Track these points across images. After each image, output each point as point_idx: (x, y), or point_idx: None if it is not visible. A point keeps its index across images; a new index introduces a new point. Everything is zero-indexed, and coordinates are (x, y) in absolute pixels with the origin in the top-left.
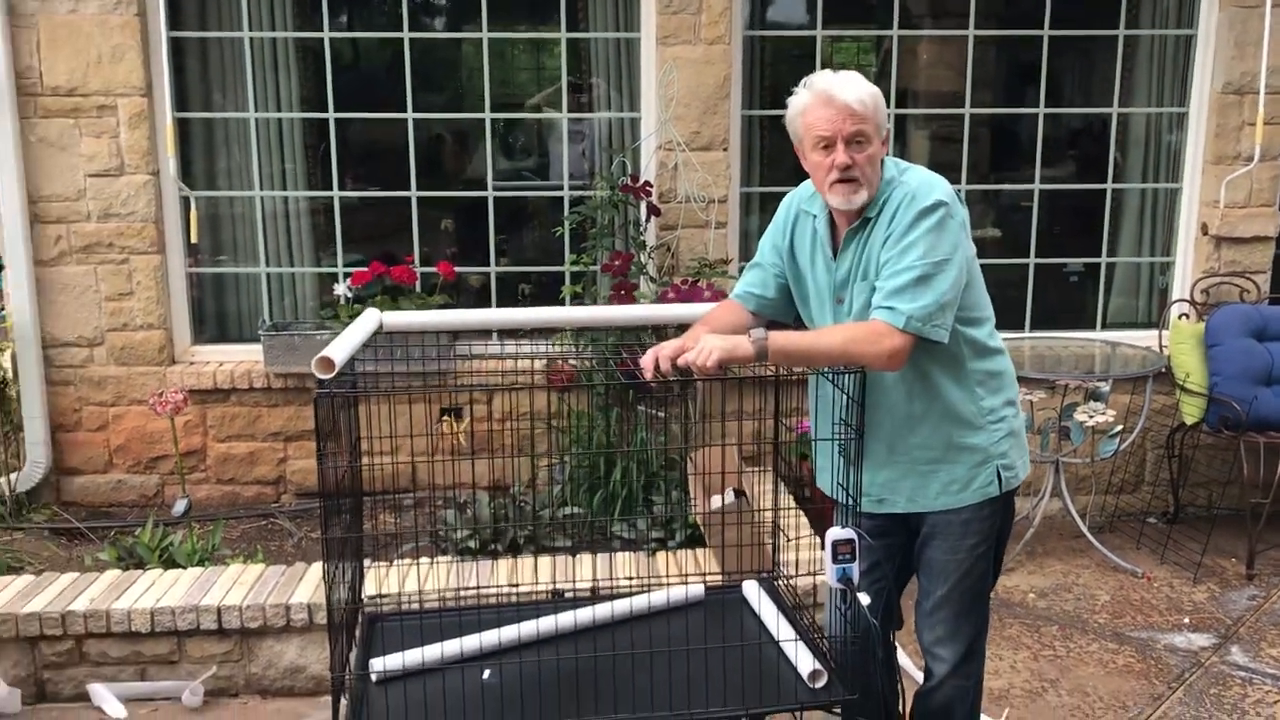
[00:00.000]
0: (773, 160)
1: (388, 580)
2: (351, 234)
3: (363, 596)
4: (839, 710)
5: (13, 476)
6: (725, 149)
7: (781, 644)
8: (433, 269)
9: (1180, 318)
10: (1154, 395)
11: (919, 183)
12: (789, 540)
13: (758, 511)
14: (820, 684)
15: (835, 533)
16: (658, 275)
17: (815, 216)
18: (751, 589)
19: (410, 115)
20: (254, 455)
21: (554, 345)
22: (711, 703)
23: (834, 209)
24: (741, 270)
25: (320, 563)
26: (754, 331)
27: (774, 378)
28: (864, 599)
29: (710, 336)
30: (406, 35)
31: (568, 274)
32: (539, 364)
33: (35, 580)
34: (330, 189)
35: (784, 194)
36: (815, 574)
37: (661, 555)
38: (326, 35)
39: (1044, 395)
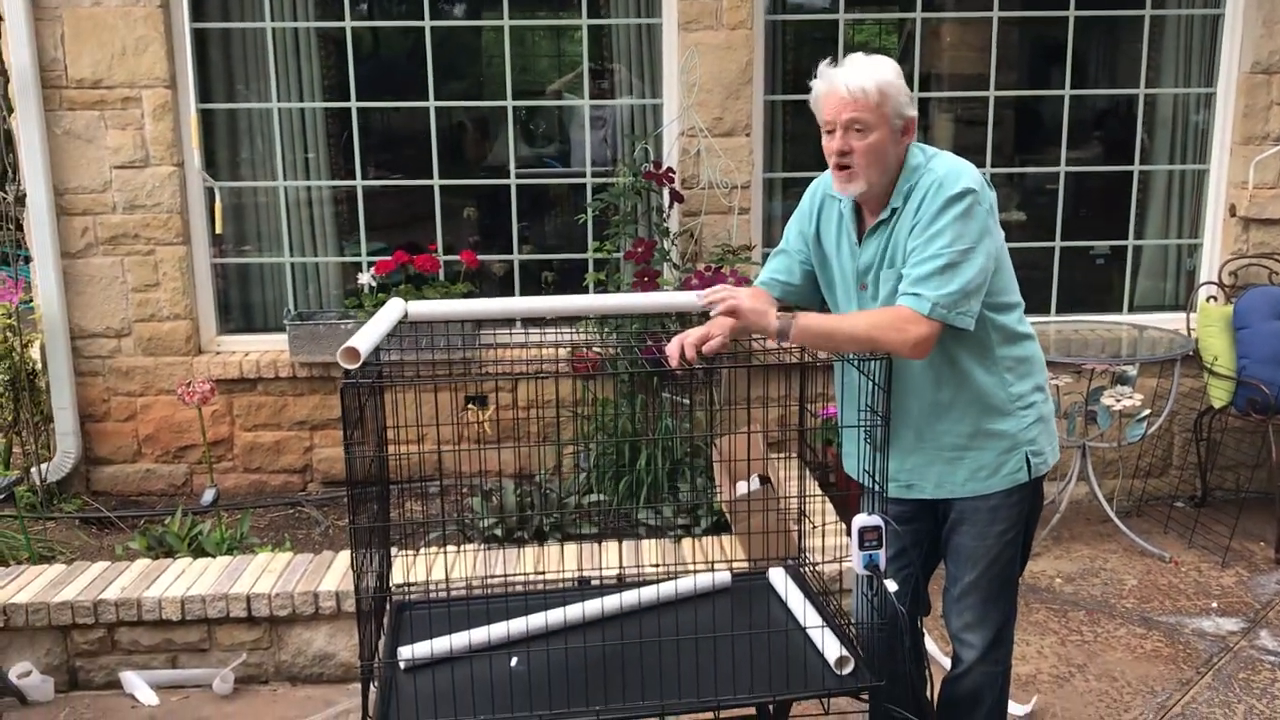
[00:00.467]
0: (795, 145)
1: (415, 568)
2: (375, 222)
3: (390, 585)
4: (866, 697)
5: (44, 467)
6: (748, 134)
7: (808, 630)
8: (456, 257)
9: (1208, 300)
10: (1181, 378)
11: (947, 170)
12: (814, 527)
13: (783, 499)
14: (847, 670)
15: (862, 519)
16: (681, 262)
17: (841, 201)
18: (778, 576)
19: (432, 103)
20: (280, 444)
21: (578, 333)
22: (738, 690)
23: (849, 198)
24: (765, 256)
25: (348, 551)
26: (780, 313)
27: (799, 364)
28: (891, 585)
29: (743, 293)
30: (428, 24)
31: (591, 261)
32: (563, 352)
33: (67, 569)
34: (353, 178)
35: (807, 179)
36: (841, 560)
37: (687, 542)
38: (348, 24)
39: (1070, 379)
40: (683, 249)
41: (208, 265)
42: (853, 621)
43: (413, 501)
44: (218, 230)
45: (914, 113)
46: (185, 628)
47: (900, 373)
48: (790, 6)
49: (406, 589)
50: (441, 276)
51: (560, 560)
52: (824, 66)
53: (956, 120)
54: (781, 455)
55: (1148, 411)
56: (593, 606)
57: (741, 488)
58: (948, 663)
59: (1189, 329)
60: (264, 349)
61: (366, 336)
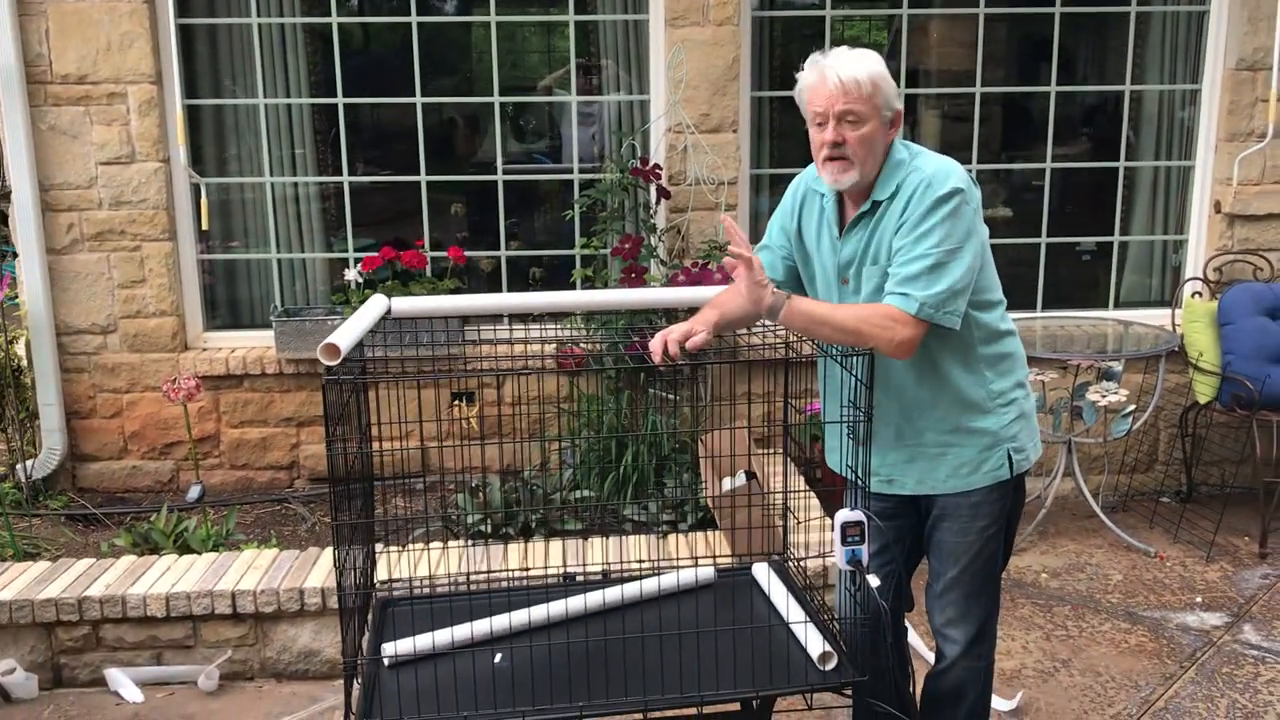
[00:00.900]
0: (783, 142)
1: (400, 565)
2: (362, 219)
3: (375, 581)
4: (849, 692)
5: (29, 463)
6: (735, 131)
7: (791, 626)
8: (443, 253)
9: (1193, 296)
10: (1167, 374)
11: (934, 169)
12: (799, 522)
13: (768, 494)
14: (830, 666)
15: (844, 515)
16: (668, 258)
17: (823, 196)
18: (762, 571)
19: (419, 99)
20: (267, 441)
21: (565, 329)
22: (722, 685)
23: (841, 190)
24: None
25: (362, 544)
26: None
27: (783, 359)
28: (873, 581)
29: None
30: (414, 19)
31: (578, 258)
32: (549, 348)
33: (52, 566)
34: (340, 174)
35: (794, 176)
36: (825, 556)
37: (673, 538)
38: (334, 20)
39: (1056, 375)
40: (670, 245)
41: (194, 261)
42: (836, 617)
43: (400, 498)
44: (204, 226)
45: (901, 106)
46: (170, 625)
47: (882, 369)
48: (778, 3)
49: (391, 586)
50: (429, 273)
51: (545, 556)
52: (813, 58)
53: (943, 116)
54: (768, 451)
55: (1133, 407)
56: (577, 602)
57: (727, 483)
58: (931, 658)
59: (1174, 325)
60: (251, 345)
61: (347, 333)
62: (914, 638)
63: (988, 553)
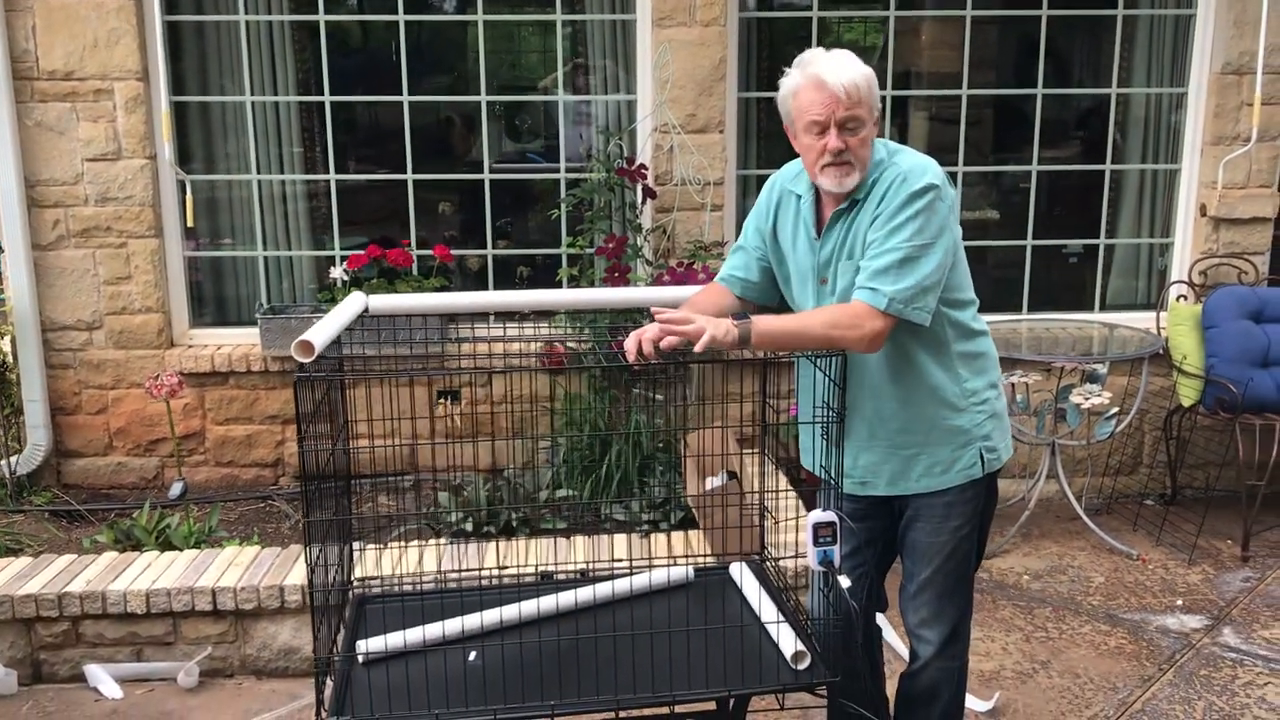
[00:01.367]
0: (769, 142)
1: (380, 562)
2: (351, 217)
3: (352, 578)
4: (824, 692)
5: (13, 459)
6: (721, 131)
7: (766, 626)
8: (429, 252)
9: (1178, 299)
10: (1152, 377)
11: (910, 165)
12: (776, 522)
13: (749, 494)
14: (803, 665)
15: (816, 515)
16: (654, 258)
17: (800, 197)
18: (739, 571)
19: (406, 98)
20: (252, 438)
21: (550, 327)
22: (694, 684)
23: (843, 192)
24: None
25: (335, 542)
26: (737, 316)
27: (762, 360)
28: (844, 582)
29: (700, 317)
30: (402, 18)
31: (564, 257)
32: (533, 346)
33: (33, 562)
34: (327, 172)
35: None
36: (801, 556)
37: (654, 537)
38: (322, 18)
39: (1040, 377)
40: (656, 245)
41: (180, 258)
42: (810, 617)
43: (385, 495)
44: (189, 223)
45: (880, 104)
46: (150, 621)
47: (855, 368)
48: (765, 4)
49: (368, 583)
50: (415, 271)
51: (525, 555)
52: (804, 63)
53: (930, 118)
54: (752, 451)
55: (1116, 409)
56: (552, 601)
57: (708, 483)
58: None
59: (1159, 328)
60: (236, 343)
61: (323, 330)
62: (892, 637)
63: (961, 553)
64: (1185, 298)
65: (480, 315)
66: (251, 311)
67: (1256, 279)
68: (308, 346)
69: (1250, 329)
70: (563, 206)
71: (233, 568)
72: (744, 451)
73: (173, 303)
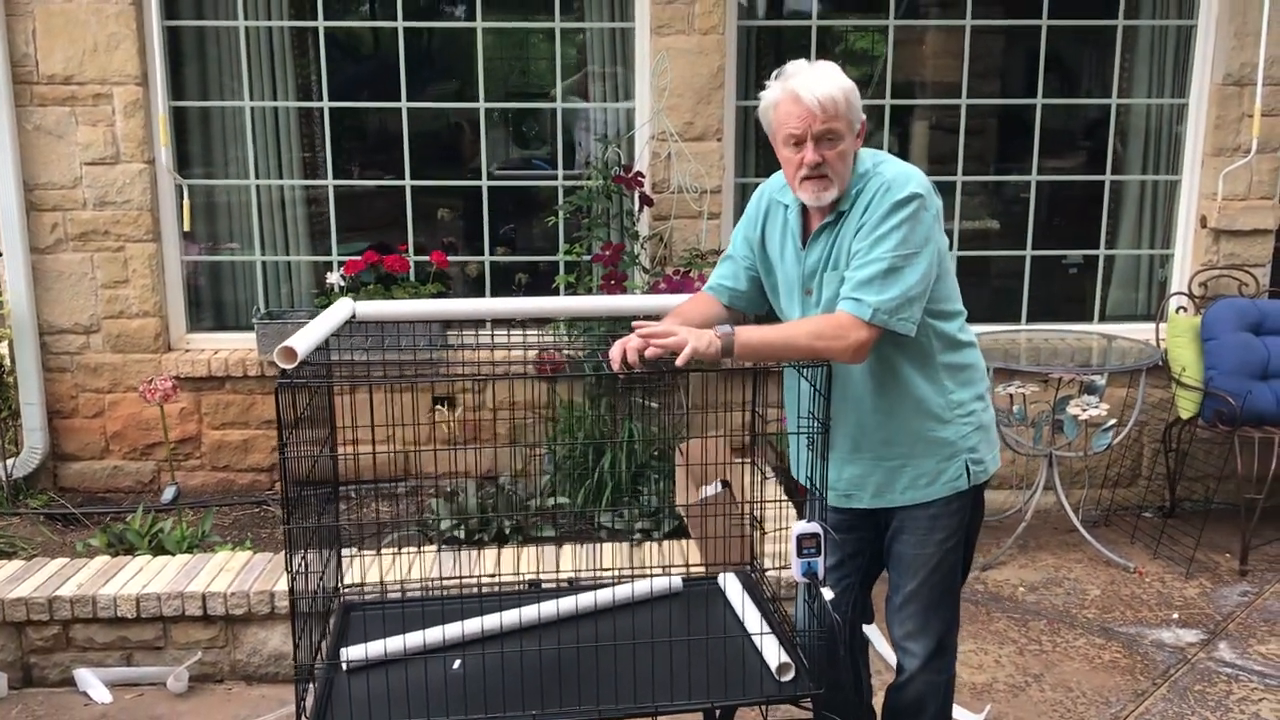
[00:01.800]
0: (767, 151)
1: (370, 569)
2: (349, 223)
3: (341, 585)
4: (808, 704)
5: (10, 462)
6: (719, 139)
7: (752, 638)
8: (427, 258)
9: (1178, 311)
10: (1152, 389)
11: (894, 174)
12: (763, 533)
13: (740, 504)
14: (788, 677)
15: (800, 527)
16: (650, 266)
17: (787, 207)
18: (728, 581)
19: (404, 104)
20: (248, 443)
21: (548, 334)
22: (678, 695)
23: (820, 206)
24: None
25: (317, 549)
26: (720, 328)
27: (753, 369)
28: (827, 594)
29: (683, 328)
30: (401, 25)
31: (561, 264)
32: (528, 353)
33: (25, 565)
34: (326, 178)
35: None
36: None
37: (646, 546)
38: (321, 24)
39: (1037, 388)
40: (652, 253)
41: (178, 263)
42: (796, 629)
43: (379, 502)
44: (186, 228)
45: (863, 115)
46: (140, 625)
47: (840, 379)
48: (763, 13)
49: (357, 590)
50: (412, 277)
51: (515, 563)
52: (784, 75)
53: (931, 128)
54: (747, 460)
55: (1113, 421)
56: (541, 609)
57: (701, 492)
58: None
59: (1159, 339)
60: (233, 347)
61: (307, 336)
62: (883, 647)
63: (946, 565)
64: (1185, 309)
65: (478, 321)
66: (249, 316)
67: (1257, 291)
68: (290, 353)
69: (1250, 341)
70: (560, 214)
71: (224, 573)
72: (738, 460)
73: (170, 307)
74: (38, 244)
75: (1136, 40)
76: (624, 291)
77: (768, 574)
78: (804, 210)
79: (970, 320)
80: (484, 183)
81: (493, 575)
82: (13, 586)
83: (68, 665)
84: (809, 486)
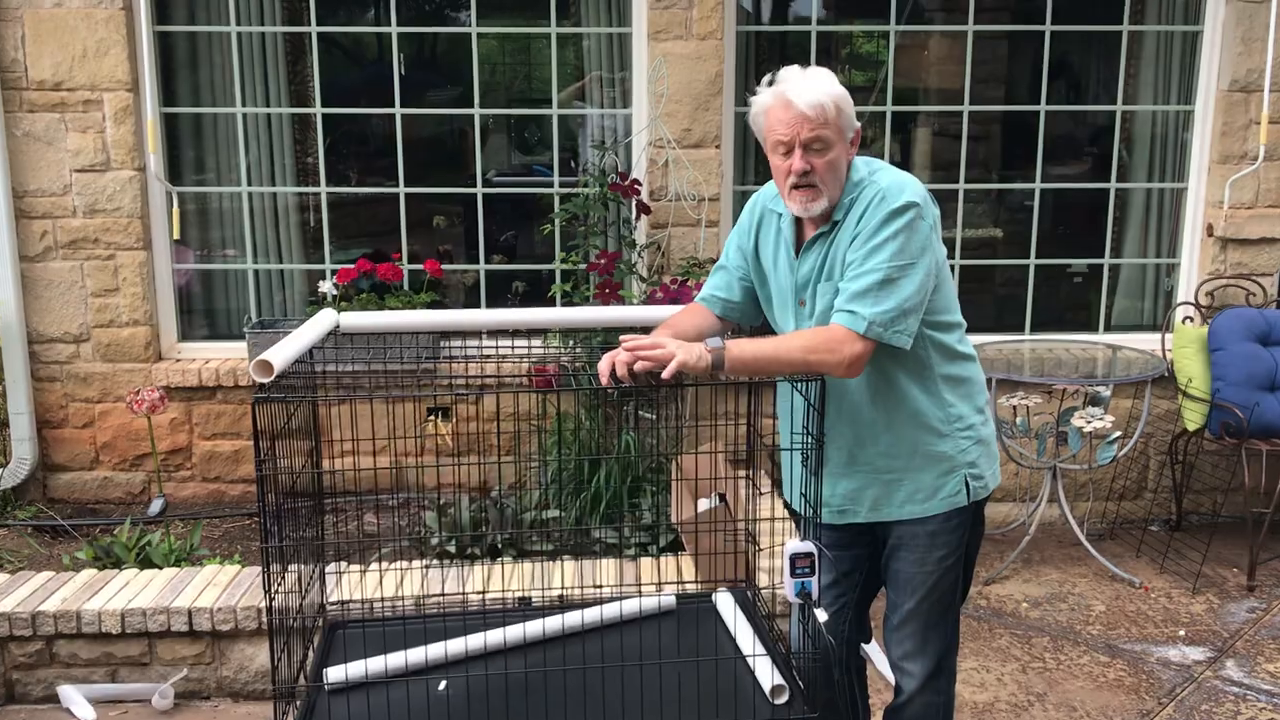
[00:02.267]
0: (766, 159)
1: (359, 585)
2: (343, 230)
3: (324, 602)
4: None
5: None
6: (717, 146)
7: (745, 658)
8: (421, 267)
9: (1184, 321)
10: (1157, 400)
11: (890, 183)
12: (759, 550)
13: (736, 521)
14: (782, 700)
15: (793, 546)
16: (648, 274)
17: (780, 215)
18: (723, 600)
19: (398, 111)
20: (240, 453)
21: (544, 344)
22: (668, 718)
23: (810, 217)
24: None
25: (296, 565)
26: (710, 341)
27: (748, 381)
28: (821, 615)
29: (672, 342)
30: (395, 30)
31: (557, 272)
32: (522, 364)
33: (9, 579)
34: (319, 185)
35: None
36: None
37: (642, 562)
38: (314, 30)
39: (1041, 399)
40: (650, 261)
41: (169, 271)
42: (790, 650)
43: (371, 514)
44: (175, 236)
45: (858, 124)
46: (125, 641)
47: (835, 389)
48: (763, 18)
49: (344, 607)
50: (405, 286)
51: (506, 579)
52: (776, 81)
53: (933, 134)
54: (744, 475)
55: (1118, 433)
56: (530, 629)
57: (699, 505)
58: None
59: (1165, 350)
60: (224, 357)
61: (285, 349)
62: (882, 665)
63: (946, 584)
64: (1191, 319)
65: (472, 331)
66: (241, 325)
67: (1265, 301)
68: (267, 366)
69: (1258, 352)
70: (555, 221)
71: (211, 587)
72: (735, 475)
73: (161, 316)
74: (27, 252)
75: (1141, 46)
76: (620, 300)
77: (763, 591)
78: (798, 219)
79: (973, 330)
80: (479, 190)
81: (483, 592)
82: None
83: (51, 682)
84: (804, 503)
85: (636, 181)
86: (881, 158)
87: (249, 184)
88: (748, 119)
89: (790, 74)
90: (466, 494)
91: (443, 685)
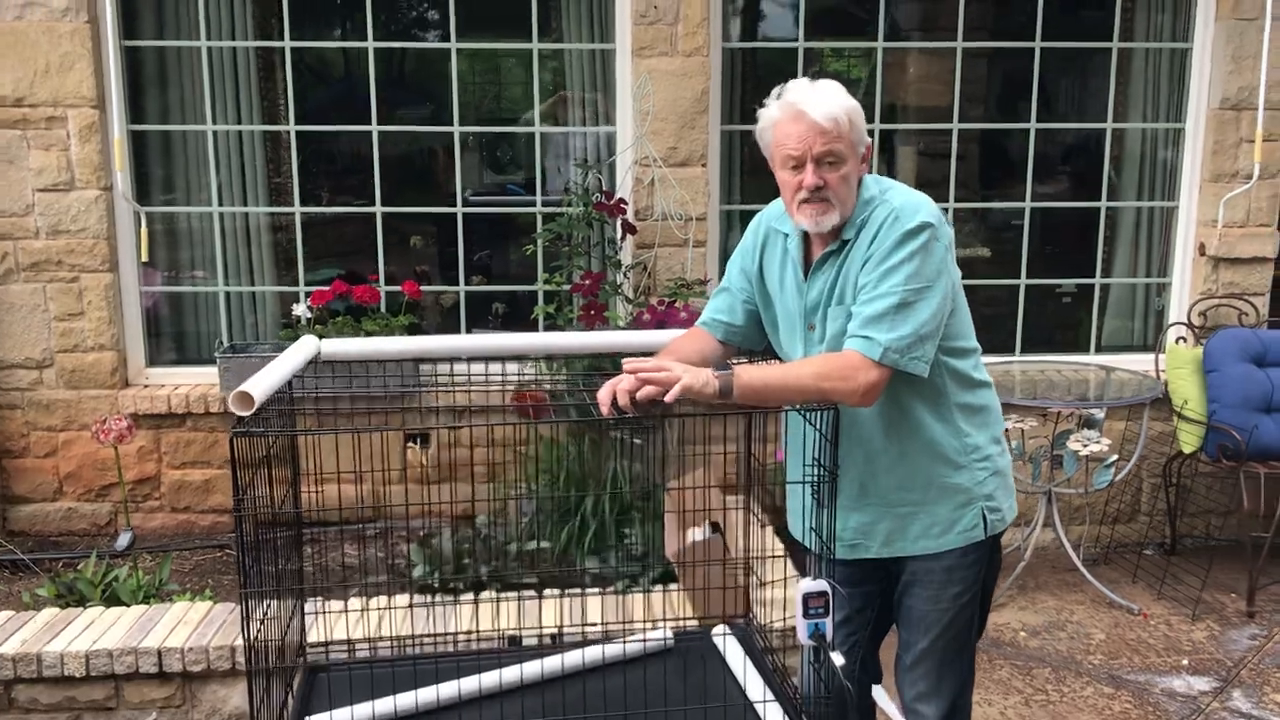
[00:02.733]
0: (754, 177)
1: (337, 627)
2: (318, 251)
3: (303, 643)
4: None
5: None
6: (704, 165)
7: (754, 705)
8: (398, 288)
9: (1177, 341)
10: (1151, 422)
11: (903, 202)
12: (761, 584)
13: (735, 554)
14: None
15: (807, 585)
16: (634, 295)
17: (787, 236)
18: (724, 638)
19: (375, 128)
20: (210, 483)
21: (527, 369)
22: None
23: (820, 231)
24: None
25: (268, 602)
26: (719, 368)
27: (748, 410)
28: (838, 660)
29: (679, 365)
30: (371, 45)
31: (540, 294)
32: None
33: None
34: (293, 204)
35: None
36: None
37: (632, 596)
38: (287, 44)
39: (1035, 422)
40: (636, 282)
41: (136, 294)
42: (799, 693)
43: (349, 545)
44: (143, 258)
45: (869, 139)
46: (90, 684)
47: (847, 418)
48: (749, 35)
49: (316, 648)
50: (383, 308)
51: (495, 616)
52: (784, 93)
53: (920, 153)
54: (738, 506)
55: (1115, 457)
56: (522, 671)
57: (689, 537)
58: None
59: (1158, 371)
60: (194, 383)
61: (265, 380)
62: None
63: (961, 621)
64: (1184, 340)
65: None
66: (212, 350)
67: (1257, 321)
68: (246, 399)
69: (1253, 373)
70: (539, 242)
71: (181, 625)
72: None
73: (128, 340)
74: None
75: (1131, 63)
76: (605, 322)
77: (764, 627)
78: (806, 239)
79: None
80: (459, 209)
81: (471, 632)
82: None
83: None
84: (816, 540)
85: (622, 200)
86: None
87: (219, 203)
88: (748, 136)
89: (799, 86)
90: (450, 523)
91: None
